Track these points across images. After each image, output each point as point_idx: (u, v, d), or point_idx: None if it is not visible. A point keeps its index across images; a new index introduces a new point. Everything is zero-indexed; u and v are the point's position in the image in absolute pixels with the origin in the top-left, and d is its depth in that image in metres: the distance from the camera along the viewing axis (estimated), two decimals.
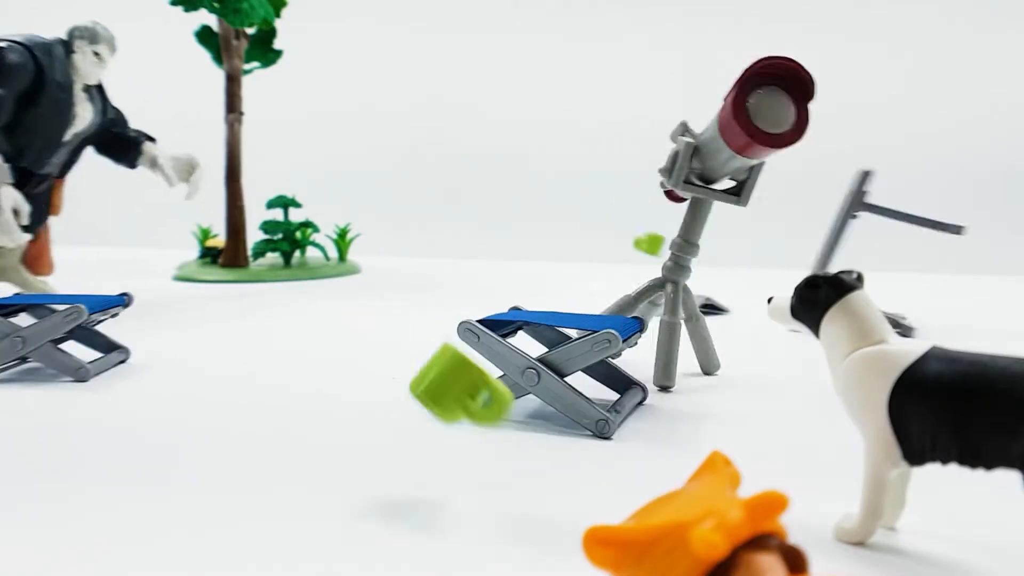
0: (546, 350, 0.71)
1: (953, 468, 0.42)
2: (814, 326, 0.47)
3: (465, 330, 0.69)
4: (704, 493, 0.30)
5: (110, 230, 2.75)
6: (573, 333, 0.73)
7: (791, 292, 0.49)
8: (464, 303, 1.48)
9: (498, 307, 0.92)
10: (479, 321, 0.70)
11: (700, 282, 1.84)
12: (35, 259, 1.43)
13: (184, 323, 1.21)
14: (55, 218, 1.47)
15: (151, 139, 1.48)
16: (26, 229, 1.29)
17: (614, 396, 0.74)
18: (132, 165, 1.48)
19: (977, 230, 2.45)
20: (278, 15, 1.96)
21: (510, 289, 1.71)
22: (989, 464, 0.40)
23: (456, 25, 2.69)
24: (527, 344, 0.72)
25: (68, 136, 1.34)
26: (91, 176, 1.64)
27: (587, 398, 0.65)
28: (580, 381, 0.68)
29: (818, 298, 0.47)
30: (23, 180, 1.31)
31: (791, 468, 0.59)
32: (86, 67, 1.32)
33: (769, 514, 0.28)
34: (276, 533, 0.46)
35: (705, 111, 0.86)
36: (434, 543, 0.45)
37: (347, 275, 1.95)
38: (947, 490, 0.53)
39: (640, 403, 0.75)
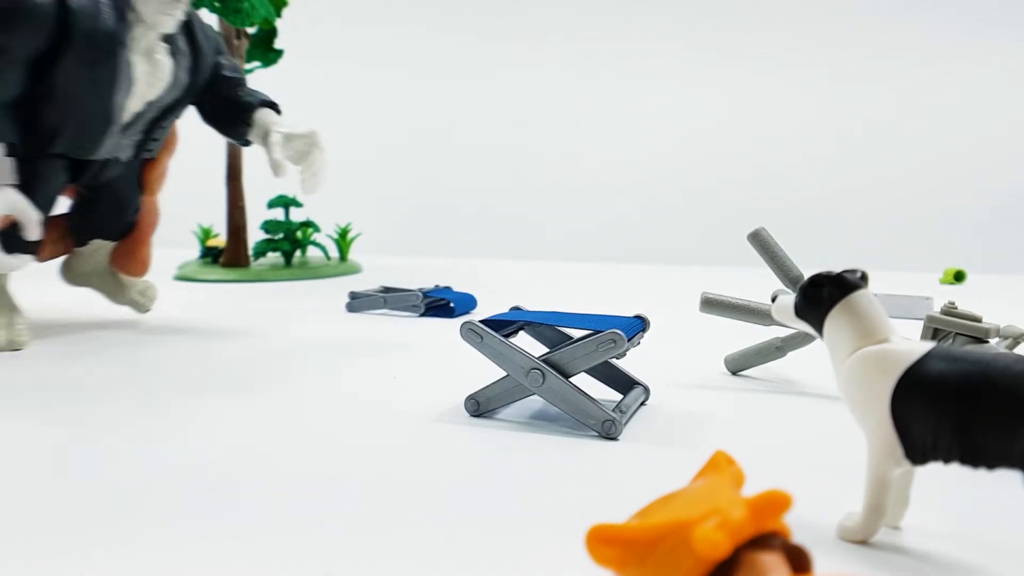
0: (548, 350, 0.71)
1: (955, 467, 0.42)
2: (818, 325, 0.47)
3: (468, 330, 0.68)
4: (707, 492, 0.30)
5: None
6: (575, 333, 0.73)
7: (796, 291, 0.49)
8: None
9: (499, 307, 0.92)
10: (481, 321, 0.70)
11: (701, 282, 1.84)
12: (126, 254, 1.14)
13: (184, 323, 1.21)
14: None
15: (270, 104, 1.11)
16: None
17: (617, 396, 0.74)
18: (244, 140, 1.12)
19: (977, 231, 2.45)
20: (279, 15, 1.96)
21: (510, 289, 1.71)
22: (991, 463, 0.40)
23: (456, 24, 2.69)
24: (529, 344, 0.72)
25: (135, 106, 0.97)
26: None
27: (593, 399, 0.65)
28: (583, 381, 0.68)
29: (821, 297, 0.46)
30: (76, 171, 1.00)
31: (794, 467, 0.59)
32: (152, 9, 0.92)
33: (772, 513, 0.28)
34: (277, 535, 0.46)
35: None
36: (439, 543, 0.45)
37: (348, 275, 1.96)
38: (950, 489, 0.53)
39: (643, 403, 0.75)
